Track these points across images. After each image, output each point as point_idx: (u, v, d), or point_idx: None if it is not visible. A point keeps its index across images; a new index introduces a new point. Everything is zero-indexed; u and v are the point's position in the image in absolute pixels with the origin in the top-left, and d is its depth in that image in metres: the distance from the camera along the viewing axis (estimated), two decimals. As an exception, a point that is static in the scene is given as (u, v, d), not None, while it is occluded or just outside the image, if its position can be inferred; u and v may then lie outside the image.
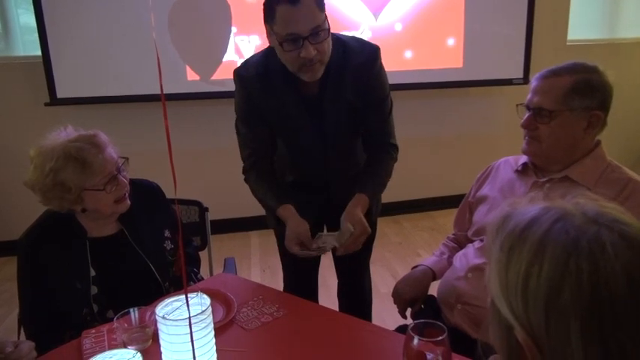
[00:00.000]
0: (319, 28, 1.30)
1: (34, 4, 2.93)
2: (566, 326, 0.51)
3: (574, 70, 1.27)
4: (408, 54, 3.42)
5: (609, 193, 1.21)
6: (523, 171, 1.41)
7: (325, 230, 1.65)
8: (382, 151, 1.57)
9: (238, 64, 1.52)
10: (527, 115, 1.32)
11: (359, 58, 1.43)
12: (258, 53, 1.51)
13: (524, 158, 1.41)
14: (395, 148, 1.59)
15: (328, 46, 1.36)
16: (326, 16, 1.34)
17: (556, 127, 1.26)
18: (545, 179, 1.33)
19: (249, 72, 1.48)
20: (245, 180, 1.61)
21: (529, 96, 1.32)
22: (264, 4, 1.34)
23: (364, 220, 1.44)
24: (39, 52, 3.02)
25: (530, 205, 0.59)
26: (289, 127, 1.54)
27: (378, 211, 1.71)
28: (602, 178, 1.26)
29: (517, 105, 1.37)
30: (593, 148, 1.31)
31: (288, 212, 1.48)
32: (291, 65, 1.37)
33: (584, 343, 0.51)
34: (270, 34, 1.36)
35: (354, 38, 1.49)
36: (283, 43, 1.32)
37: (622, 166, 1.29)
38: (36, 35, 2.99)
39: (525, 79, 3.52)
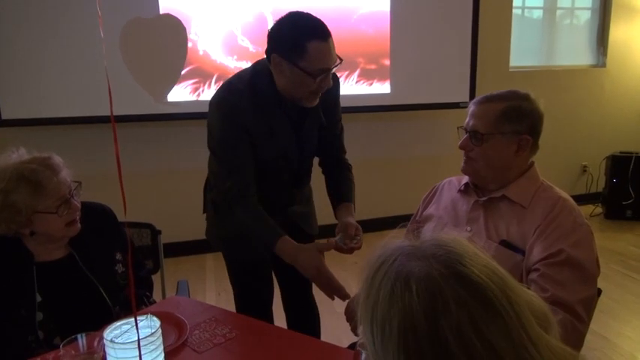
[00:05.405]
0: (338, 58, 1.42)
1: (-22, 24, 2.86)
2: None
3: (506, 97, 1.37)
4: (361, 79, 3.53)
5: (542, 210, 1.31)
6: (465, 191, 1.49)
7: None
8: (341, 165, 1.74)
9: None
10: (464, 136, 1.41)
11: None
12: (242, 78, 1.50)
13: (466, 178, 1.50)
14: (349, 163, 1.76)
15: None
16: None
17: (488, 148, 1.36)
18: (485, 198, 1.41)
19: (238, 97, 1.46)
20: (230, 213, 1.53)
21: (467, 119, 1.41)
22: (289, 40, 1.36)
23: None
24: (-17, 73, 2.94)
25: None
26: (274, 147, 1.53)
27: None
28: (535, 196, 1.35)
29: (458, 128, 1.47)
30: (527, 169, 1.40)
31: (291, 245, 1.44)
32: (301, 93, 1.43)
33: None
34: (287, 66, 1.38)
35: None
36: (317, 77, 1.38)
37: (553, 186, 1.39)
38: (-20, 55, 2.91)
39: (471, 103, 3.72)
